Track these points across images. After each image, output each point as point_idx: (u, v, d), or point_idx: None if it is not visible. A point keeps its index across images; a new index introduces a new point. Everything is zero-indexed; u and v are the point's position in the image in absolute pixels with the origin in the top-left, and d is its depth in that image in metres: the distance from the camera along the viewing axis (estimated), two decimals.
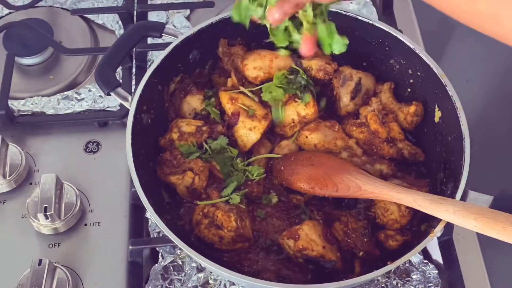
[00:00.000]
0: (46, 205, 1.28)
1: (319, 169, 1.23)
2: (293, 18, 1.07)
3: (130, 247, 1.28)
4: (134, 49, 1.51)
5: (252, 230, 1.23)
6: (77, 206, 1.33)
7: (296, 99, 1.31)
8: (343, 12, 1.35)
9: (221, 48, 1.40)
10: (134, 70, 1.56)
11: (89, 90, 1.52)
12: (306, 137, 1.30)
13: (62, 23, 1.66)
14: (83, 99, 1.51)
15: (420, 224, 1.22)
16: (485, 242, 1.35)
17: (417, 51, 1.30)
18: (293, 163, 1.26)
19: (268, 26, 1.09)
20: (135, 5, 1.66)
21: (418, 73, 1.33)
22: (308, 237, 1.18)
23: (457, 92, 1.23)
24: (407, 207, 1.20)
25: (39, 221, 1.30)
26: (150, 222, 1.34)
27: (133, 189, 1.36)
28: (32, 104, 1.49)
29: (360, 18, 1.34)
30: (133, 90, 1.50)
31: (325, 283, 1.07)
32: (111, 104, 1.50)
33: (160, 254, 1.29)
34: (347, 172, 1.20)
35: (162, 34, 1.33)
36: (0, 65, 1.53)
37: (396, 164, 1.31)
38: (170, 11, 1.70)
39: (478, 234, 1.35)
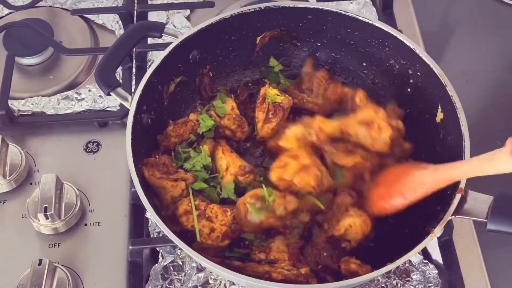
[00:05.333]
0: (46, 205, 1.28)
1: (383, 187, 1.23)
2: None
3: (130, 247, 1.28)
4: (134, 49, 1.51)
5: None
6: (77, 206, 1.33)
7: None
8: (343, 12, 1.35)
9: (306, 68, 1.40)
10: (134, 70, 1.56)
11: (89, 90, 1.52)
12: None
13: (62, 23, 1.66)
14: (83, 99, 1.51)
15: (417, 225, 1.22)
16: (485, 242, 1.35)
17: (417, 51, 1.30)
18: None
19: None
20: (135, 5, 1.67)
21: (418, 73, 1.33)
22: (280, 248, 1.19)
23: (457, 92, 1.24)
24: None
25: (39, 221, 1.30)
26: (150, 222, 1.34)
27: (133, 189, 1.36)
28: (32, 104, 1.49)
29: (360, 18, 1.34)
30: (133, 90, 1.50)
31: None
32: (111, 104, 1.50)
33: (160, 254, 1.29)
34: (406, 174, 1.19)
35: (162, 34, 1.33)
36: (0, 65, 1.53)
37: None
38: (170, 11, 1.70)
39: (478, 234, 1.36)
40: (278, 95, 1.35)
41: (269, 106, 1.35)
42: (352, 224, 1.21)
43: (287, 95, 1.37)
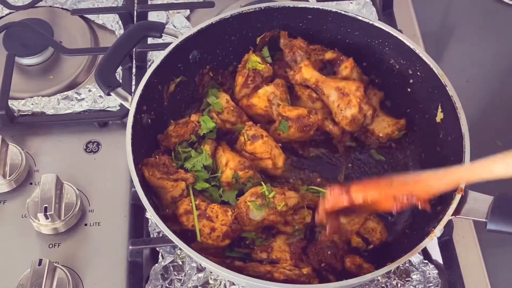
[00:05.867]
0: (46, 205, 1.28)
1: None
2: None
3: (130, 247, 1.28)
4: (134, 49, 1.51)
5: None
6: (77, 206, 1.33)
7: None
8: (343, 12, 1.35)
9: (283, 39, 1.41)
10: (134, 70, 1.56)
11: (89, 90, 1.52)
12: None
13: (62, 23, 1.66)
14: (83, 99, 1.51)
15: (417, 225, 1.22)
16: (485, 242, 1.35)
17: (417, 51, 1.30)
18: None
19: None
20: (135, 5, 1.67)
21: (418, 73, 1.33)
22: (281, 248, 1.20)
23: (457, 92, 1.24)
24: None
25: (39, 221, 1.30)
26: (150, 222, 1.34)
27: (133, 189, 1.36)
28: (32, 104, 1.49)
29: (360, 18, 1.34)
30: (133, 90, 1.50)
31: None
32: (111, 104, 1.50)
33: (160, 254, 1.29)
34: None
35: (162, 34, 1.33)
36: (0, 65, 1.53)
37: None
38: (170, 11, 1.70)
39: (478, 234, 1.36)
40: (259, 63, 1.38)
41: (249, 72, 1.37)
42: (374, 228, 1.26)
43: (268, 64, 1.39)
